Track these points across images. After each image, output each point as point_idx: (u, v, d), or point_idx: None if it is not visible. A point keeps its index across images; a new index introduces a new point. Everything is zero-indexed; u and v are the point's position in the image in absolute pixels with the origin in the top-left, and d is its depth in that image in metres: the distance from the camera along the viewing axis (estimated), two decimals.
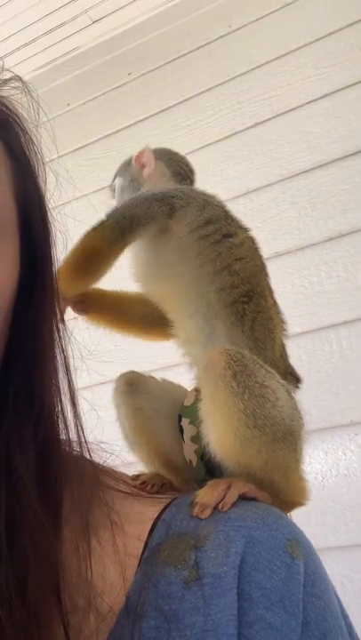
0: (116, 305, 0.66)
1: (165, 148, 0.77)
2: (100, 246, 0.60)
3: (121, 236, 0.61)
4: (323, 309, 1.42)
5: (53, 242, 0.47)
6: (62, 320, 0.53)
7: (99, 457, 0.48)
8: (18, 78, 0.49)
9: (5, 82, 0.48)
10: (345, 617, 0.43)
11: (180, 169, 0.74)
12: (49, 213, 0.48)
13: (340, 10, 1.53)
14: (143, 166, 0.72)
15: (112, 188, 0.76)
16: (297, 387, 0.60)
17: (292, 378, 0.60)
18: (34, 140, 0.48)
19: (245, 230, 0.65)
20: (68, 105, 1.87)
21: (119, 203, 0.72)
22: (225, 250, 0.61)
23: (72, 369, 0.47)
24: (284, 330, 0.63)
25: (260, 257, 0.64)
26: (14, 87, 0.48)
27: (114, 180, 0.76)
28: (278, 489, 0.51)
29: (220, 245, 0.61)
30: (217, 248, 0.61)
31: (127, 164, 0.75)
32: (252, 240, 0.64)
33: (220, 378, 0.51)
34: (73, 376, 0.47)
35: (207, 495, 0.46)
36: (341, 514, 1.31)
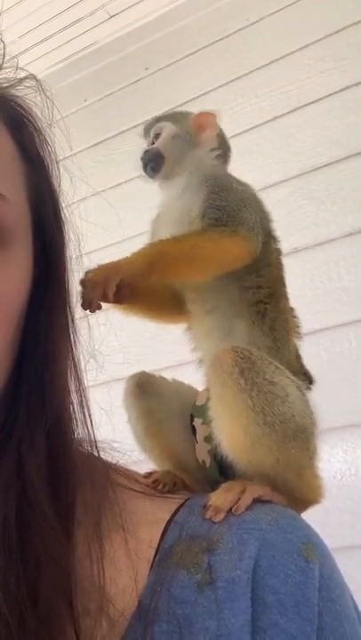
0: (148, 290, 0.62)
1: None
2: (245, 257, 0.59)
3: (261, 244, 0.60)
4: (342, 306, 1.40)
5: (67, 242, 0.47)
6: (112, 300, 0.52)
7: (110, 456, 0.47)
8: (32, 77, 0.49)
9: (20, 81, 0.48)
10: None
11: (226, 154, 0.72)
12: (63, 214, 0.47)
13: (360, 1, 1.50)
14: (201, 128, 0.69)
15: (153, 131, 0.71)
16: (309, 387, 0.59)
17: (306, 378, 0.60)
18: (48, 139, 0.48)
19: (276, 241, 0.65)
20: (86, 100, 1.87)
21: (163, 148, 0.68)
22: (261, 254, 0.61)
23: (83, 368, 0.47)
24: (298, 333, 0.63)
25: (282, 268, 0.64)
26: (29, 86, 0.48)
27: (156, 122, 0.71)
28: (292, 487, 0.51)
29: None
30: None
31: (182, 116, 0.71)
32: (279, 252, 0.65)
33: (227, 375, 0.51)
34: (84, 375, 0.46)
35: (221, 498, 0.45)
36: (360, 512, 1.29)
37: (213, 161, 0.69)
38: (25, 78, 0.48)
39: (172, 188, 0.67)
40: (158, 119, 0.72)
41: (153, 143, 0.70)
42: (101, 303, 0.53)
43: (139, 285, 0.57)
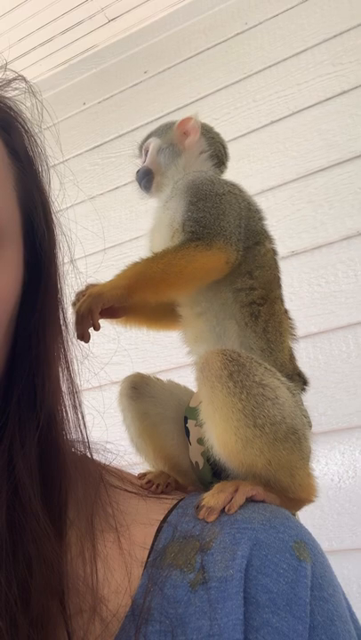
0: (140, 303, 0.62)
1: (210, 125, 0.75)
2: (222, 268, 0.59)
3: (241, 250, 0.60)
4: (340, 309, 1.40)
5: (58, 244, 0.47)
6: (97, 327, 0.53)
7: (104, 457, 0.47)
8: (22, 79, 0.49)
9: (9, 82, 0.48)
10: (355, 621, 0.42)
11: (219, 152, 0.72)
12: (53, 215, 0.47)
13: (359, 5, 1.51)
14: (185, 134, 0.70)
15: (144, 148, 0.74)
16: (303, 389, 0.59)
17: (300, 379, 0.60)
18: (38, 141, 0.47)
19: (271, 241, 0.65)
20: (85, 104, 1.88)
21: (151, 164, 0.70)
22: (251, 256, 0.62)
23: (75, 370, 0.47)
24: (293, 335, 0.63)
25: (278, 269, 0.65)
26: (17, 88, 0.48)
27: (147, 139, 0.74)
28: (285, 487, 0.51)
29: (249, 251, 0.62)
30: (245, 253, 0.62)
31: (167, 127, 0.73)
32: (273, 252, 0.65)
33: (216, 379, 0.51)
34: (77, 377, 0.46)
35: (214, 498, 0.45)
36: (358, 515, 1.29)
37: (203, 164, 0.69)
38: (14, 79, 0.48)
39: (161, 198, 0.68)
40: (148, 136, 0.74)
41: (145, 161, 0.72)
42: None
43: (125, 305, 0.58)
